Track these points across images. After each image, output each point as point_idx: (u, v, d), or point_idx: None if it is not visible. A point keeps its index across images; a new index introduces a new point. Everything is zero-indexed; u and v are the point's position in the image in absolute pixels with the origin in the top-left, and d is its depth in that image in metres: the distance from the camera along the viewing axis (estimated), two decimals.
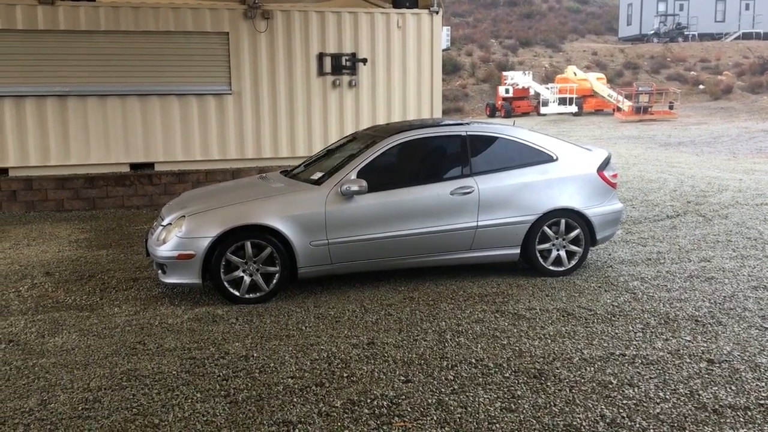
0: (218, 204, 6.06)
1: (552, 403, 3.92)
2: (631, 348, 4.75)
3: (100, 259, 7.51)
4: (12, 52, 10.27)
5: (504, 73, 39.07)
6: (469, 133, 6.51)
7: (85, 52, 10.55)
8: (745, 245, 7.72)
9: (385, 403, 3.96)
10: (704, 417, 3.76)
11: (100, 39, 10.58)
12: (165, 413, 3.87)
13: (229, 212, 5.89)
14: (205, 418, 3.81)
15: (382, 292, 6.18)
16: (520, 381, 4.22)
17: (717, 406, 3.88)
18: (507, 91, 36.70)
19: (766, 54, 43.68)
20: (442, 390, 4.11)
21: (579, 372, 4.34)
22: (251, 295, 5.88)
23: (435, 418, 3.78)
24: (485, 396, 4.03)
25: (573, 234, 6.57)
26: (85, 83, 10.61)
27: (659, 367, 4.41)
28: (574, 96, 35.75)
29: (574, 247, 6.60)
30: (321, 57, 11.64)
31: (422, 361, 4.55)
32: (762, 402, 3.93)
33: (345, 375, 4.35)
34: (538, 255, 6.51)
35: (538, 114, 36.09)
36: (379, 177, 6.15)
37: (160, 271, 5.96)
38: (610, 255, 7.41)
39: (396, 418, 3.78)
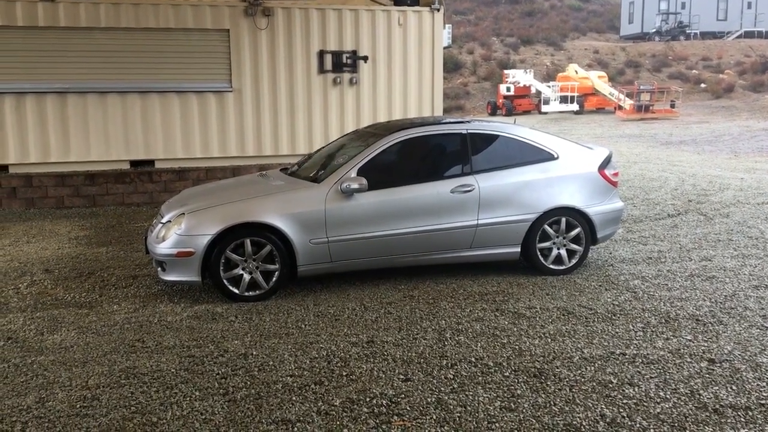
0: (218, 201, 6.04)
1: (552, 403, 3.91)
2: (632, 347, 4.73)
3: (100, 257, 7.50)
4: (12, 49, 10.26)
5: (505, 71, 39.01)
6: (469, 131, 6.49)
7: (86, 49, 10.53)
8: (746, 244, 7.69)
9: (384, 401, 3.94)
10: (705, 417, 3.75)
11: (100, 36, 10.56)
12: (163, 411, 3.86)
13: (228, 210, 5.87)
14: (203, 417, 3.79)
15: (382, 290, 6.16)
16: (520, 380, 4.21)
17: (718, 406, 3.86)
18: (508, 89, 36.64)
19: None
20: (442, 389, 4.09)
21: (579, 371, 4.33)
22: (251, 293, 5.87)
23: (434, 417, 3.76)
24: (485, 395, 4.01)
25: (574, 233, 6.55)
26: (85, 80, 10.59)
27: (660, 367, 4.40)
28: (576, 94, 35.70)
29: (574, 246, 6.58)
30: (322, 54, 11.62)
31: (422, 360, 4.53)
32: (763, 402, 3.91)
33: (344, 373, 4.33)
34: (539, 254, 6.49)
35: (540, 112, 36.04)
36: (380, 175, 6.13)
37: (159, 269, 5.95)
38: (610, 254, 7.38)
39: (395, 417, 3.76)
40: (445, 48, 14.68)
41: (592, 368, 4.37)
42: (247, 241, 5.78)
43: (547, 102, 35.96)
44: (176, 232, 5.79)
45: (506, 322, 5.25)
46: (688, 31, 50.92)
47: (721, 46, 47.57)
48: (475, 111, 37.44)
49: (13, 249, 7.86)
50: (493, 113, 35.93)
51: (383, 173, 6.20)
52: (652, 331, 5.06)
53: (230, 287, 5.82)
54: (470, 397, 3.99)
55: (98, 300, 5.99)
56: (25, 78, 10.35)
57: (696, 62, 44.74)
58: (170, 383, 4.21)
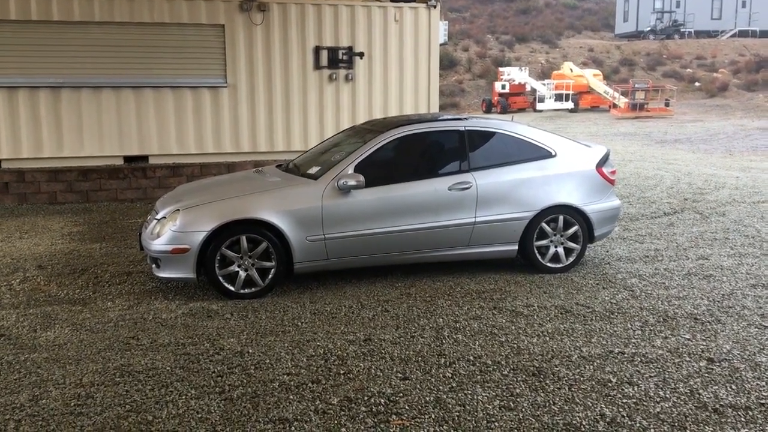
0: (213, 198, 5.99)
1: (551, 402, 3.88)
2: (630, 346, 4.71)
3: (93, 253, 7.43)
4: (5, 43, 10.16)
5: (500, 69, 38.97)
6: (467, 128, 6.45)
7: (79, 44, 10.44)
8: (742, 243, 7.69)
9: (382, 400, 3.90)
10: (705, 416, 3.72)
11: (94, 30, 10.47)
12: (159, 410, 3.81)
13: (224, 206, 5.82)
14: (199, 415, 3.75)
15: (378, 288, 6.12)
16: (519, 379, 4.18)
17: (717, 406, 3.84)
18: (503, 86, 36.60)
19: (762, 52, 43.72)
20: (440, 388, 4.06)
21: (578, 370, 4.30)
22: (246, 290, 5.82)
23: (433, 416, 3.73)
24: (484, 394, 3.98)
25: (571, 231, 6.52)
26: (79, 75, 10.50)
27: (659, 366, 4.37)
28: (571, 92, 35.73)
29: (572, 244, 6.55)
30: (317, 50, 11.55)
31: (420, 359, 4.50)
32: (763, 402, 3.89)
33: (342, 372, 4.29)
34: (536, 251, 6.46)
35: (534, 110, 36.04)
36: (377, 172, 6.08)
37: (154, 266, 5.89)
38: (607, 252, 7.36)
39: (394, 416, 3.73)
40: (441, 45, 14.62)
41: (591, 367, 4.35)
42: (243, 238, 5.73)
43: (542, 100, 35.97)
44: (171, 229, 5.73)
45: (504, 321, 5.22)
46: (682, 30, 50.98)
47: (716, 45, 47.67)
48: (470, 108, 37.40)
49: (5, 245, 7.79)
50: (488, 111, 35.92)
51: (381, 170, 6.15)
52: (651, 329, 5.04)
53: (226, 284, 5.77)
54: (469, 396, 3.96)
55: (92, 297, 5.93)
56: (18, 72, 10.25)
57: (690, 61, 44.83)
58: (165, 381, 4.17)
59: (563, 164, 6.54)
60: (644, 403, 3.87)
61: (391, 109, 11.99)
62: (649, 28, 51.20)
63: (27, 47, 10.24)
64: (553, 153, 6.57)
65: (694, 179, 12.54)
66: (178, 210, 5.84)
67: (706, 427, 3.62)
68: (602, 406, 3.83)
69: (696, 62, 44.63)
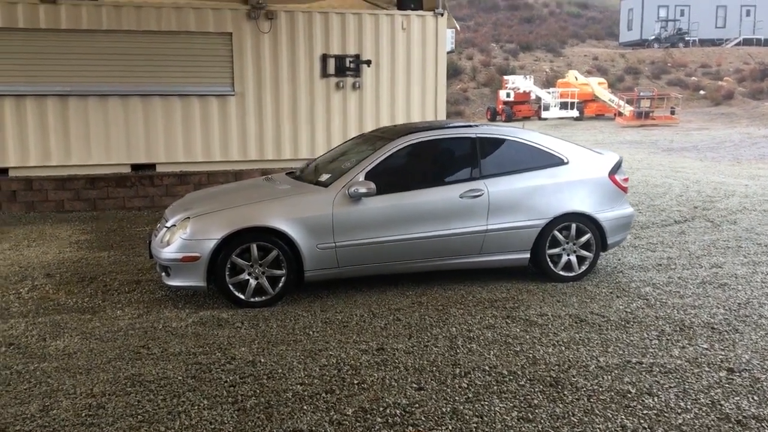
0: (223, 205, 5.94)
1: (570, 413, 3.81)
2: (648, 356, 4.64)
3: (102, 261, 7.39)
4: (13, 51, 10.16)
5: (505, 77, 39.00)
6: (478, 135, 6.40)
7: (87, 52, 10.43)
8: (756, 251, 7.61)
9: (398, 411, 3.84)
10: (728, 428, 3.65)
11: (101, 38, 10.46)
12: (171, 420, 3.75)
13: (234, 214, 5.77)
14: (212, 426, 3.69)
15: (389, 296, 6.06)
16: (536, 389, 4.11)
17: (740, 417, 3.77)
18: (508, 95, 36.62)
19: (767, 60, 43.65)
20: (457, 398, 3.99)
21: (596, 380, 4.23)
22: (257, 298, 5.76)
23: (450, 427, 3.66)
24: (501, 405, 3.91)
25: (584, 239, 6.46)
26: (87, 83, 10.48)
27: (678, 376, 4.30)
28: (576, 100, 35.70)
29: (584, 252, 6.49)
30: (325, 58, 11.53)
31: (434, 368, 4.43)
32: None
33: (355, 382, 4.23)
34: (549, 260, 6.40)
35: (539, 118, 36.01)
36: (388, 179, 6.03)
37: (163, 274, 5.84)
38: (619, 260, 7.30)
39: (410, 428, 3.66)
40: (448, 52, 14.60)
41: (609, 377, 4.28)
42: (254, 246, 5.68)
43: (547, 108, 35.95)
44: (181, 237, 5.68)
45: (518, 330, 5.15)
46: (687, 38, 51.00)
47: (720, 53, 47.66)
48: (474, 117, 37.37)
49: (13, 253, 7.75)
50: (492, 119, 35.89)
51: (391, 177, 6.10)
52: (667, 339, 4.96)
53: (236, 293, 5.71)
54: (486, 407, 3.89)
55: (101, 305, 5.88)
56: (25, 80, 10.24)
57: (695, 69, 44.81)
58: (177, 391, 4.11)
59: (575, 172, 6.49)
60: (665, 414, 3.80)
61: (398, 116, 11.96)
62: (653, 37, 51.22)
63: (34, 56, 10.23)
64: (566, 160, 6.51)
65: (703, 187, 12.47)
66: (189, 218, 5.79)
67: None
68: (622, 417, 3.76)
69: (701, 70, 44.61)
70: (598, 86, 36.29)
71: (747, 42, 50.32)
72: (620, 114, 33.42)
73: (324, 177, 6.24)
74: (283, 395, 4.05)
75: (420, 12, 11.99)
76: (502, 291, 6.18)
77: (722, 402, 3.95)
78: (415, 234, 6.03)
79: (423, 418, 3.75)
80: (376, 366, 4.48)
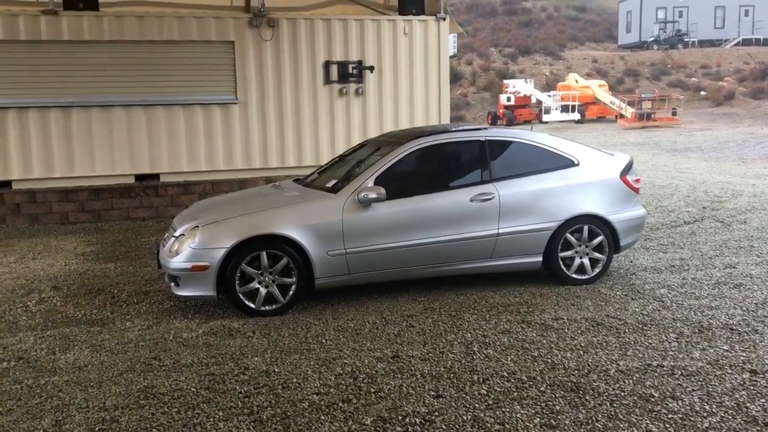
0: (232, 214, 5.87)
1: (594, 419, 3.73)
2: (668, 359, 4.56)
3: (108, 272, 7.32)
4: (15, 63, 10.11)
5: (505, 81, 38.93)
6: (488, 138, 6.34)
7: (89, 63, 10.39)
8: None
9: (417, 420, 3.76)
10: (756, 431, 3.56)
11: (104, 49, 10.42)
12: None
13: (243, 222, 5.70)
14: None
15: (401, 302, 5.99)
16: (557, 395, 4.03)
17: None
18: (508, 99, 36.53)
19: (767, 59, 43.62)
20: (477, 406, 3.91)
21: (617, 385, 4.15)
22: (267, 307, 5.69)
23: None
24: (522, 412, 3.83)
25: (596, 241, 6.39)
26: (89, 94, 10.44)
27: (700, 379, 4.22)
28: (577, 103, 35.64)
29: (597, 255, 6.41)
30: (327, 65, 11.49)
31: (452, 375, 4.35)
32: None
33: (372, 390, 4.15)
34: (561, 263, 6.32)
35: (541, 122, 35.92)
36: (397, 184, 5.97)
37: (172, 284, 5.77)
38: (631, 262, 7.22)
39: None
40: (451, 57, 14.56)
41: (631, 381, 4.19)
42: (263, 254, 5.61)
43: (548, 111, 35.87)
44: (190, 246, 5.61)
45: (534, 335, 5.07)
46: (686, 40, 50.99)
47: (720, 54, 47.63)
48: (475, 121, 37.32)
49: (19, 266, 7.68)
50: (493, 123, 35.83)
51: (401, 182, 6.04)
52: (687, 341, 4.88)
53: (246, 302, 5.64)
54: (507, 414, 3.81)
55: (110, 317, 5.81)
56: (28, 92, 10.20)
57: (695, 70, 44.77)
58: (191, 403, 4.03)
59: (587, 173, 6.42)
60: (691, 418, 3.72)
61: (401, 122, 11.90)
62: (652, 39, 51.21)
63: (37, 67, 10.19)
64: (576, 162, 6.45)
65: (710, 187, 12.39)
66: (197, 227, 5.72)
67: None
68: (647, 422, 3.68)
69: (701, 71, 44.56)
70: (598, 89, 36.24)
71: (746, 42, 50.30)
72: (622, 116, 33.35)
73: (333, 183, 6.17)
74: (300, 405, 3.97)
75: (422, 17, 11.95)
76: (515, 295, 6.10)
77: (748, 404, 3.86)
78: (426, 239, 5.96)
79: (444, 427, 3.67)
80: (392, 374, 4.40)
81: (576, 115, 35.56)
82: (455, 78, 42.04)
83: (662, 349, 4.73)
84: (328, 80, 11.53)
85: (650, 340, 4.91)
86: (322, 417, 3.82)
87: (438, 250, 6.03)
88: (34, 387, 4.33)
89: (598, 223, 6.36)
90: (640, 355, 4.62)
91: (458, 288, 6.33)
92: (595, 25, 60.84)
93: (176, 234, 5.87)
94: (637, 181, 6.71)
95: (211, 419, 3.82)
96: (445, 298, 6.06)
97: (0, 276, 7.22)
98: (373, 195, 5.78)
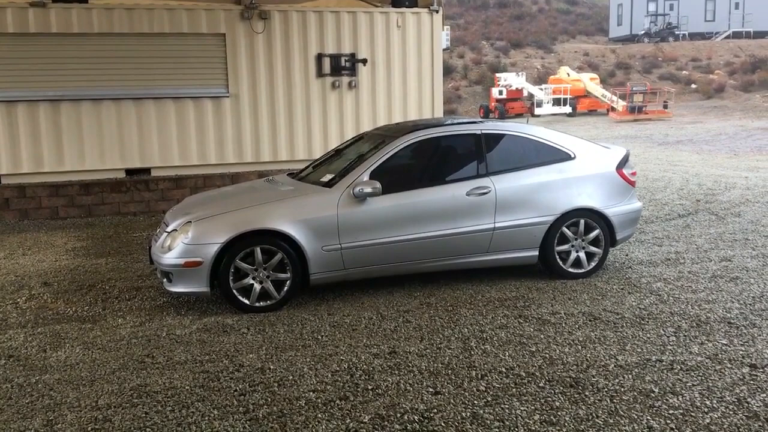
0: (225, 209, 5.79)
1: (594, 415, 3.69)
2: (667, 353, 4.52)
3: (100, 268, 7.23)
4: (3, 57, 9.96)
5: (497, 75, 38.93)
6: (483, 131, 6.28)
7: (79, 56, 10.24)
8: (764, 243, 7.52)
9: (416, 417, 3.71)
10: (758, 427, 3.54)
11: (93, 42, 10.28)
12: None
13: (237, 217, 5.63)
14: None
15: (397, 297, 5.93)
16: (557, 391, 3.98)
17: None
18: (500, 92, 36.53)
19: (758, 52, 43.76)
20: (475, 402, 3.87)
21: (617, 380, 4.11)
22: (262, 303, 5.62)
23: None
24: (522, 408, 3.78)
25: (592, 235, 6.35)
26: (79, 87, 10.29)
27: (700, 374, 4.19)
28: (568, 96, 35.65)
29: (593, 248, 6.38)
30: (320, 58, 11.38)
31: (449, 371, 4.30)
32: None
33: (369, 387, 4.10)
34: (557, 257, 6.28)
35: (532, 115, 35.90)
36: (393, 178, 5.90)
37: (165, 280, 5.69)
38: (626, 256, 7.19)
39: None
40: (444, 50, 14.49)
41: (630, 376, 4.16)
42: (258, 249, 5.54)
43: (539, 105, 35.88)
44: (183, 241, 5.53)
45: (532, 329, 5.03)
46: (676, 32, 51.08)
47: (710, 47, 47.74)
48: (467, 115, 37.26)
49: (8, 262, 7.58)
50: (485, 117, 35.79)
51: (397, 176, 5.98)
52: (685, 335, 4.85)
53: (240, 298, 5.57)
54: (507, 410, 3.76)
55: (101, 314, 5.73)
56: (16, 86, 10.05)
57: (686, 63, 44.86)
58: (186, 401, 3.97)
59: (583, 166, 6.37)
60: (692, 414, 3.68)
61: (395, 115, 11.82)
62: (643, 32, 51.28)
63: (25, 60, 10.04)
64: (572, 155, 6.40)
65: (703, 180, 12.39)
66: (190, 222, 5.64)
67: None
68: (648, 418, 3.64)
69: (691, 64, 44.66)
70: (590, 82, 36.26)
71: (737, 35, 50.44)
72: (613, 109, 33.40)
73: (327, 177, 6.10)
74: (296, 403, 3.91)
75: (415, 9, 11.86)
76: (512, 290, 6.06)
77: (749, 399, 3.83)
78: (421, 233, 5.91)
79: (443, 424, 3.62)
80: (389, 370, 4.35)
81: (567, 109, 35.60)
82: (447, 71, 41.96)
83: (661, 344, 4.69)
84: (320, 73, 11.43)
85: (648, 335, 4.87)
86: (319, 415, 3.76)
87: (434, 244, 5.97)
88: (24, 386, 4.25)
89: (594, 216, 6.32)
90: (639, 350, 4.59)
91: (454, 283, 6.28)
92: (586, 18, 60.87)
93: (169, 229, 5.79)
94: (634, 174, 6.68)
95: (206, 418, 3.76)
96: (442, 293, 6.01)
97: None
98: (368, 189, 5.71)
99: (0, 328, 5.37)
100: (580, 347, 4.66)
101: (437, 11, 11.93)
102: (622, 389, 3.99)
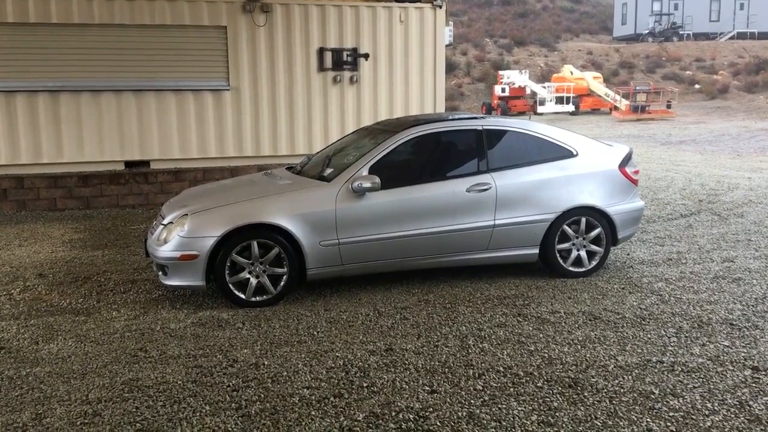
0: (222, 202, 5.73)
1: (593, 416, 3.62)
2: (668, 354, 4.45)
3: (96, 260, 7.16)
4: (2, 46, 9.90)
5: (500, 72, 38.78)
6: (485, 127, 6.20)
7: (79, 46, 10.17)
8: (767, 245, 7.44)
9: (411, 416, 3.64)
10: (760, 431, 3.46)
11: (93, 32, 10.21)
12: (172, 428, 3.55)
13: (234, 210, 5.55)
14: None
15: (395, 294, 5.86)
16: (555, 391, 3.91)
17: None
18: (503, 90, 36.37)
19: (762, 53, 43.60)
20: (472, 401, 3.80)
21: (616, 381, 4.04)
22: (258, 297, 5.55)
23: None
24: (519, 408, 3.71)
25: (594, 233, 6.27)
26: (79, 78, 10.23)
27: (701, 375, 4.12)
28: (571, 95, 35.52)
29: (594, 247, 6.30)
30: (321, 52, 11.30)
31: (446, 370, 4.24)
32: None
33: (365, 385, 4.03)
34: (558, 255, 6.21)
35: (535, 113, 35.77)
36: (392, 173, 5.83)
37: (160, 273, 5.62)
38: (628, 255, 7.11)
39: None
40: (446, 46, 14.40)
41: (630, 377, 4.09)
42: (254, 243, 5.47)
43: (542, 103, 35.75)
44: (179, 234, 5.46)
45: (531, 328, 4.96)
46: (681, 32, 50.89)
47: (715, 47, 47.57)
48: (470, 112, 37.15)
49: (4, 253, 7.51)
50: (488, 114, 35.68)
51: (396, 171, 5.90)
52: (686, 336, 4.78)
53: (236, 292, 5.50)
54: (504, 410, 3.69)
55: (96, 306, 5.66)
56: (15, 76, 9.99)
57: (690, 63, 44.69)
58: (177, 396, 3.90)
59: (585, 164, 6.30)
60: (692, 416, 3.61)
61: (396, 111, 11.74)
62: (647, 31, 51.11)
63: (25, 50, 9.97)
64: (575, 152, 6.32)
65: (705, 180, 12.30)
66: (186, 214, 5.57)
67: None
68: (648, 420, 3.57)
69: (695, 64, 44.50)
70: (593, 80, 36.13)
71: (741, 36, 50.26)
72: (616, 108, 33.28)
73: (326, 171, 6.03)
74: (290, 400, 3.84)
75: (418, 4, 11.77)
76: (511, 288, 5.98)
77: (750, 403, 3.76)
78: (420, 230, 5.83)
79: (438, 423, 3.56)
80: (385, 368, 4.28)
81: (570, 107, 35.47)
82: (450, 68, 41.87)
83: (661, 345, 4.62)
84: (322, 67, 11.35)
85: (649, 335, 4.80)
86: (313, 412, 3.70)
87: (433, 241, 5.90)
88: (15, 378, 4.18)
89: (595, 215, 6.24)
90: (639, 351, 4.52)
91: (453, 280, 6.21)
92: (590, 16, 60.70)
93: (165, 222, 5.72)
94: (636, 172, 6.61)
95: (198, 414, 3.69)
96: (440, 290, 5.94)
97: None
98: (367, 184, 5.64)
99: None
100: (579, 347, 4.59)
101: (440, 6, 11.84)
102: (622, 390, 3.92)
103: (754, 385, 3.99)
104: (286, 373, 4.20)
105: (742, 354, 4.45)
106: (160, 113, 10.62)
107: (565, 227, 6.19)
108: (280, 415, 3.68)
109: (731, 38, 50.09)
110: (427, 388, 3.98)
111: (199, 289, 5.63)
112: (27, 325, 5.16)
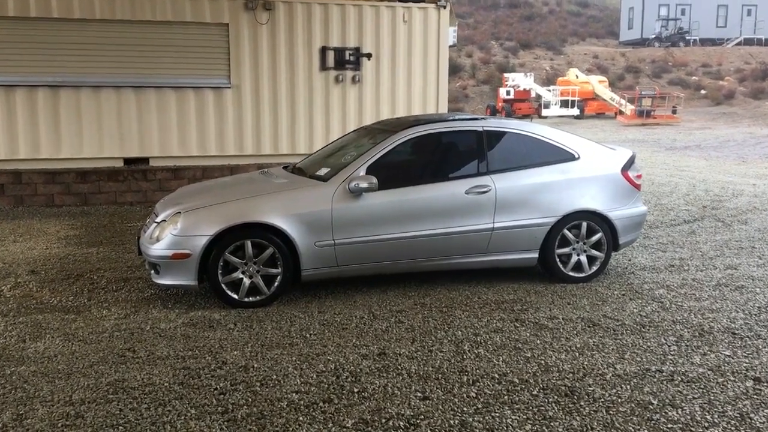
0: (217, 200, 5.63)
1: (589, 426, 3.51)
2: (668, 363, 4.34)
3: (90, 258, 7.08)
4: (2, 41, 9.82)
5: (505, 75, 38.70)
6: (485, 128, 6.10)
7: (79, 42, 10.09)
8: None
9: (401, 423, 3.54)
10: None
11: (94, 28, 10.13)
12: (155, 431, 3.45)
13: (228, 209, 5.46)
14: None
15: (391, 297, 5.76)
16: (551, 400, 3.81)
17: None
18: (508, 92, 36.31)
19: None
20: (465, 409, 3.69)
21: (614, 390, 3.93)
22: (251, 298, 5.45)
23: None
24: (513, 417, 3.61)
25: (595, 238, 6.16)
26: (79, 74, 10.15)
27: (702, 386, 4.00)
28: (576, 99, 35.40)
29: (595, 252, 6.19)
30: (324, 51, 11.21)
31: (440, 376, 4.13)
32: None
33: (355, 390, 3.93)
34: (558, 260, 6.10)
35: (540, 116, 35.67)
36: (390, 174, 5.73)
37: (152, 272, 5.53)
38: (629, 260, 7.00)
39: None
40: (450, 47, 14.30)
41: (628, 387, 3.98)
42: (248, 243, 5.37)
43: (547, 106, 35.64)
44: (172, 232, 5.37)
45: (528, 334, 4.85)
46: (687, 38, 50.72)
47: (721, 53, 47.40)
48: (474, 114, 37.04)
49: None
50: (492, 116, 35.56)
51: (394, 172, 5.80)
52: (687, 345, 4.67)
53: (229, 292, 5.40)
54: (497, 419, 3.59)
55: (86, 304, 5.57)
56: (15, 71, 9.91)
57: (696, 68, 44.54)
58: (163, 399, 3.80)
59: (587, 167, 6.19)
60: (692, 428, 3.50)
61: (398, 111, 11.64)
62: (654, 36, 50.96)
63: (25, 45, 9.90)
64: (576, 155, 6.22)
65: (710, 186, 12.18)
66: (179, 213, 5.48)
67: None
68: (646, 431, 3.46)
69: (701, 70, 44.35)
70: (598, 84, 36.03)
71: (748, 42, 50.08)
72: (621, 113, 33.15)
73: (323, 171, 5.93)
74: (277, 404, 3.74)
75: (422, 4, 11.67)
76: (509, 292, 5.88)
77: (752, 415, 3.65)
78: (418, 231, 5.73)
79: (429, 431, 3.45)
80: (377, 372, 4.18)
81: (575, 111, 35.37)
82: (455, 70, 41.79)
83: (661, 353, 4.51)
84: (324, 66, 11.26)
85: (649, 343, 4.69)
86: (301, 418, 3.60)
87: (430, 243, 5.79)
88: None
89: (596, 219, 6.13)
90: (638, 359, 4.41)
91: (450, 283, 6.11)
92: (596, 20, 60.56)
93: (158, 220, 5.63)
94: (639, 176, 6.50)
95: (182, 417, 3.59)
96: (437, 294, 5.83)
97: None
98: (364, 184, 5.54)
99: None
100: (577, 354, 4.48)
101: (444, 7, 11.73)
102: (620, 400, 3.81)
103: (755, 396, 3.88)
104: (275, 377, 4.11)
105: (744, 364, 4.34)
106: (160, 110, 10.54)
107: (566, 231, 6.08)
108: (266, 420, 3.58)
109: (738, 44, 49.92)
110: (419, 394, 3.88)
111: (191, 288, 5.54)
112: (15, 323, 5.07)
